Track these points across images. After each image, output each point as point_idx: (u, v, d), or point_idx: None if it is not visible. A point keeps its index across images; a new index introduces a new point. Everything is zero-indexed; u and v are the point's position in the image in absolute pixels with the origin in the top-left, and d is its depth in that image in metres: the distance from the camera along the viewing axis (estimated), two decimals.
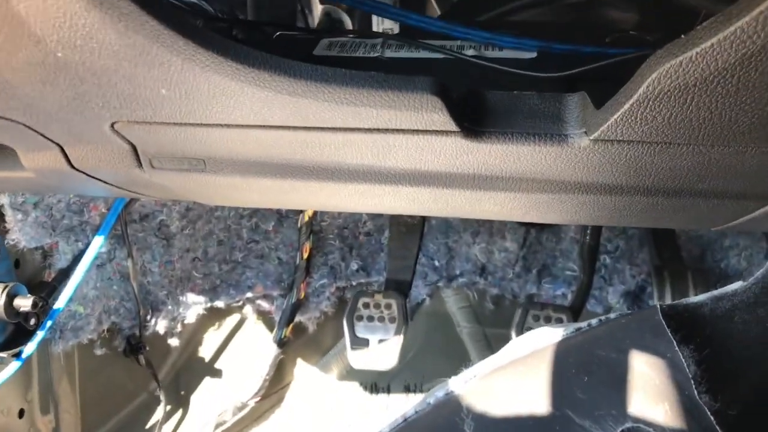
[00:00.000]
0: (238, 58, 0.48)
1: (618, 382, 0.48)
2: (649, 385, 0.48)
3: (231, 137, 0.58)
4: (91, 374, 1.31)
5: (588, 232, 1.28)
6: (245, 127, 0.56)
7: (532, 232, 1.51)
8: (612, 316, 0.58)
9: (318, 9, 1.13)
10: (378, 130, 0.54)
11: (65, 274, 1.16)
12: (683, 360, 0.49)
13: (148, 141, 0.61)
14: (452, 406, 0.51)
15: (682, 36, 0.42)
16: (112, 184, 0.74)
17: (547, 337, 0.57)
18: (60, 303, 1.11)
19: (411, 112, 0.51)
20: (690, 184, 0.57)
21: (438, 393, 0.53)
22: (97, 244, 1.13)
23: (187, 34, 0.47)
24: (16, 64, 0.51)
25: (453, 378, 0.56)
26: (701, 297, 0.61)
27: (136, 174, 0.68)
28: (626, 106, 0.46)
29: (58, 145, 0.65)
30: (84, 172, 0.70)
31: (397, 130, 0.54)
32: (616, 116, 0.47)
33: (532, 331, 0.59)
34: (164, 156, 0.64)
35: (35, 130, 0.62)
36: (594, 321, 0.57)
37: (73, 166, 0.68)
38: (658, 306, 0.54)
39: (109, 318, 1.30)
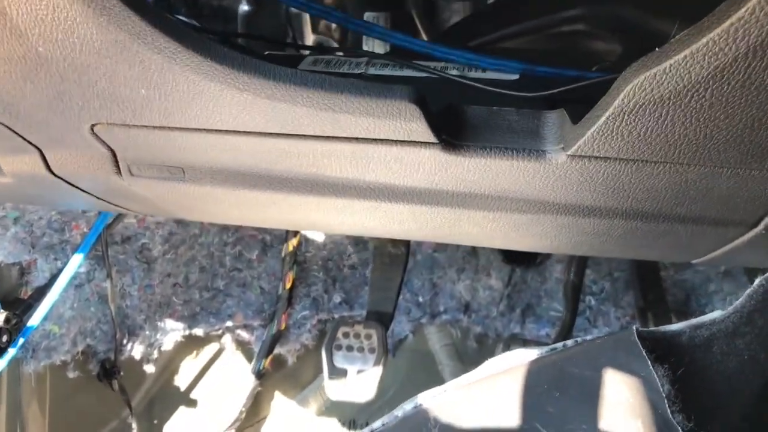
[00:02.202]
0: (217, 58, 0.48)
1: (590, 398, 0.47)
2: (622, 402, 0.47)
3: (210, 143, 0.58)
4: (62, 397, 1.28)
5: (573, 269, 1.28)
6: (224, 133, 0.56)
7: (517, 271, 1.50)
8: (588, 337, 0.57)
9: (310, 39, 1.14)
10: (357, 139, 0.54)
11: (42, 292, 1.14)
12: (657, 379, 0.49)
13: (128, 146, 0.61)
14: (420, 418, 0.50)
15: (657, 49, 0.43)
16: (90, 193, 0.74)
17: (521, 357, 0.56)
18: (34, 321, 1.09)
19: (389, 121, 0.51)
20: (668, 207, 0.57)
21: (407, 406, 0.52)
22: (76, 262, 1.12)
23: (168, 32, 0.47)
24: None
25: (423, 392, 0.55)
26: (680, 325, 0.61)
27: (114, 181, 0.67)
28: (602, 120, 0.46)
29: (37, 148, 0.64)
30: (63, 179, 0.69)
31: (376, 140, 0.54)
32: (592, 130, 0.48)
33: (508, 352, 0.58)
34: (143, 163, 0.64)
35: (15, 131, 0.62)
36: (569, 342, 0.56)
37: (52, 172, 0.68)
38: (634, 328, 0.54)
39: (85, 340, 1.28)
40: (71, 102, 0.55)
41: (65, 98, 0.55)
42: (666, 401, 0.47)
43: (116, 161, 0.64)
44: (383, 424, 0.52)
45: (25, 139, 0.63)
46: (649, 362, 0.50)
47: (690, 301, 1.42)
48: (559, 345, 0.56)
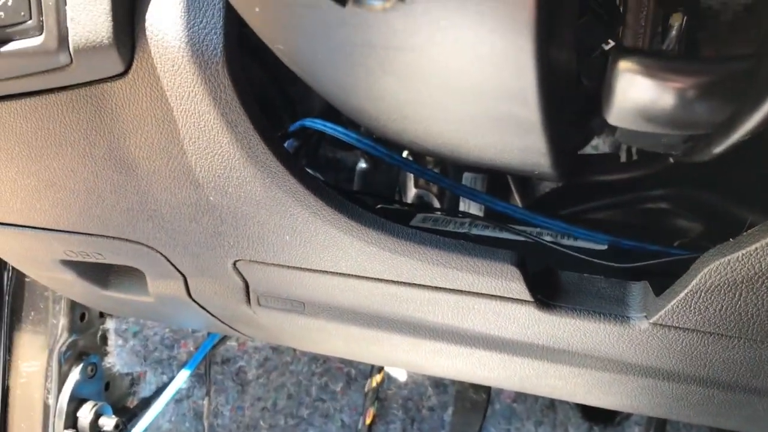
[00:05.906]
0: (353, 216, 0.59)
1: None
2: None
3: (332, 284, 0.67)
4: None
5: (652, 430, 1.28)
6: (346, 276, 0.65)
7: (595, 429, 1.50)
8: None
9: (412, 192, 1.26)
10: (461, 291, 0.62)
11: (147, 403, 1.23)
12: None
13: (261, 280, 0.71)
14: None
15: (731, 239, 0.50)
16: (218, 318, 0.84)
17: None
18: (137, 430, 1.17)
19: (492, 279, 0.59)
20: (744, 379, 0.62)
21: None
22: (182, 378, 1.21)
23: (317, 192, 0.58)
24: (174, 202, 0.63)
25: None
26: None
27: (243, 310, 0.77)
28: (681, 295, 0.53)
29: (183, 275, 0.75)
30: (198, 303, 0.79)
31: (478, 294, 0.62)
32: (672, 303, 0.54)
33: None
34: (271, 295, 0.73)
35: (169, 260, 0.73)
36: None
37: (190, 296, 0.78)
38: None
39: None
40: (224, 241, 0.66)
41: (220, 238, 0.66)
42: None
43: (248, 292, 0.74)
44: None
45: (176, 268, 0.74)
46: None
47: None
48: None
